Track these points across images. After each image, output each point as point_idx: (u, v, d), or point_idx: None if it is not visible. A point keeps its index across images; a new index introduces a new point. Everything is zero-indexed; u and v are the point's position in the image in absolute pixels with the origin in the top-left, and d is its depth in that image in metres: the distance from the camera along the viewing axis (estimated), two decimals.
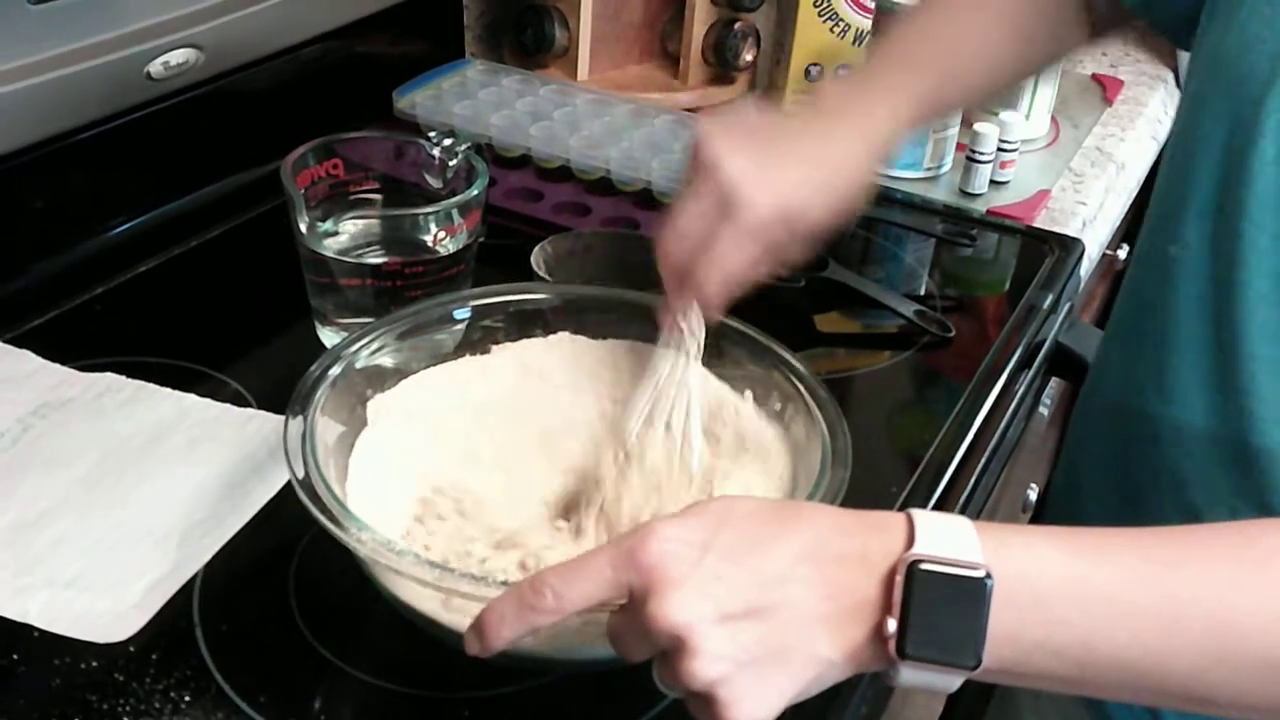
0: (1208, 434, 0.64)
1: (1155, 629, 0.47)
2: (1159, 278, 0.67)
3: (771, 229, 0.64)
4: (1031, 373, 0.95)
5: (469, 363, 0.72)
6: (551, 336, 0.73)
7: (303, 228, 0.77)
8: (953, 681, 0.47)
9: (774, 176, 0.64)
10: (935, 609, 0.46)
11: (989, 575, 0.46)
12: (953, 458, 0.80)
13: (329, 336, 0.82)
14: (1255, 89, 0.59)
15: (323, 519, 0.54)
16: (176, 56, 0.89)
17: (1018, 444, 1.00)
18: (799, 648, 0.46)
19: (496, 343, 0.72)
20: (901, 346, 0.91)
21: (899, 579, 0.46)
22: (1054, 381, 1.14)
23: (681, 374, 0.66)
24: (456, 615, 0.55)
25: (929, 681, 0.47)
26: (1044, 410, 1.16)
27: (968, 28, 0.75)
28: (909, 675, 0.47)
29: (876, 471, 0.77)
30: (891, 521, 0.48)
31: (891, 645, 0.46)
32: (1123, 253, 1.36)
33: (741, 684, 0.46)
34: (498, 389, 0.71)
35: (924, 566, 0.46)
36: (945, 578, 0.46)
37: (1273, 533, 0.49)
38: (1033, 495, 1.30)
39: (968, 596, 0.46)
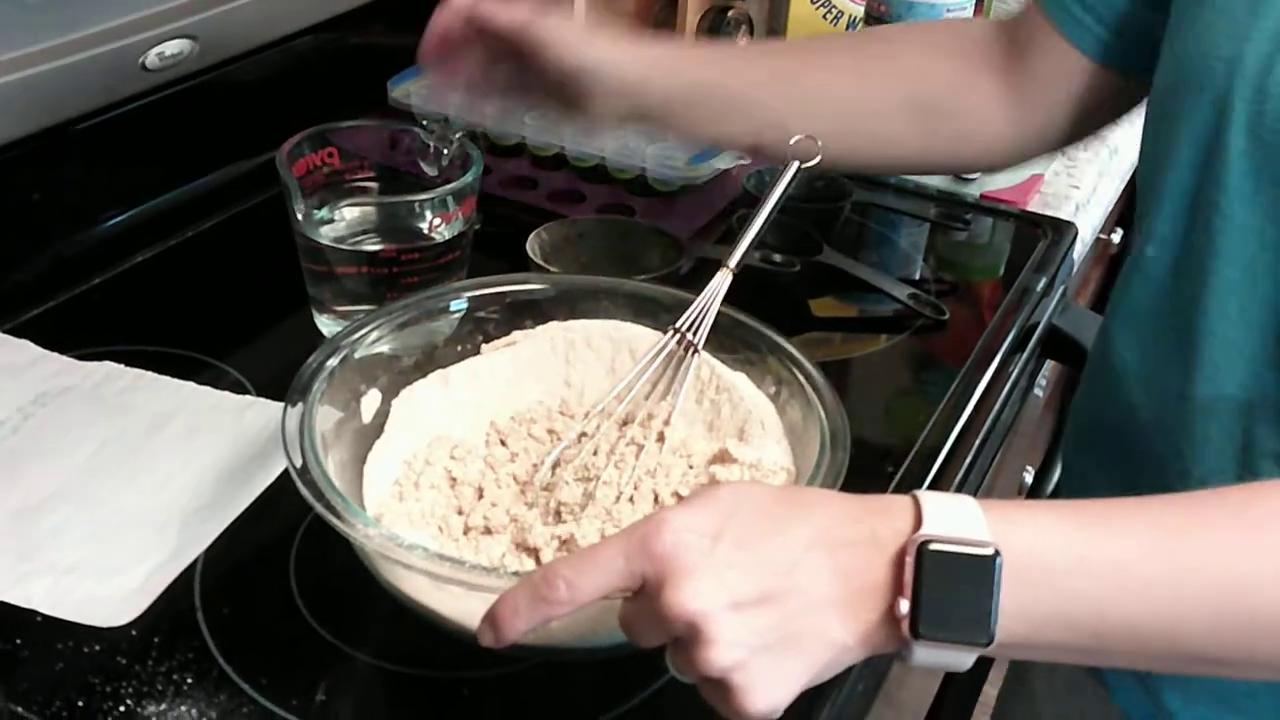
0: (1239, 402, 0.62)
1: (1165, 596, 0.47)
2: (1184, 256, 0.65)
3: None
4: (1025, 355, 0.95)
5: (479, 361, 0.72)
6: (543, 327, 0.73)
7: (299, 216, 0.77)
8: (966, 659, 0.47)
9: None
10: (946, 588, 0.46)
11: (997, 552, 0.46)
12: (947, 439, 0.80)
13: (326, 324, 0.82)
14: (1219, 84, 0.59)
15: (319, 507, 0.54)
16: (171, 47, 0.89)
17: (1012, 427, 1.00)
18: (813, 632, 0.47)
19: (491, 335, 0.72)
20: (896, 330, 0.91)
21: (909, 560, 0.46)
22: (1049, 364, 1.15)
23: (676, 363, 0.66)
24: (450, 599, 0.55)
25: (943, 660, 0.47)
26: (1039, 392, 1.16)
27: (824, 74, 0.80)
28: (923, 655, 0.47)
29: (872, 454, 0.77)
30: (898, 504, 0.49)
31: (905, 626, 0.46)
32: (1116, 236, 1.37)
33: (757, 670, 0.46)
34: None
35: (933, 546, 0.46)
36: (955, 556, 0.46)
37: (1271, 495, 0.50)
38: (1029, 478, 1.30)
39: (977, 574, 0.46)
